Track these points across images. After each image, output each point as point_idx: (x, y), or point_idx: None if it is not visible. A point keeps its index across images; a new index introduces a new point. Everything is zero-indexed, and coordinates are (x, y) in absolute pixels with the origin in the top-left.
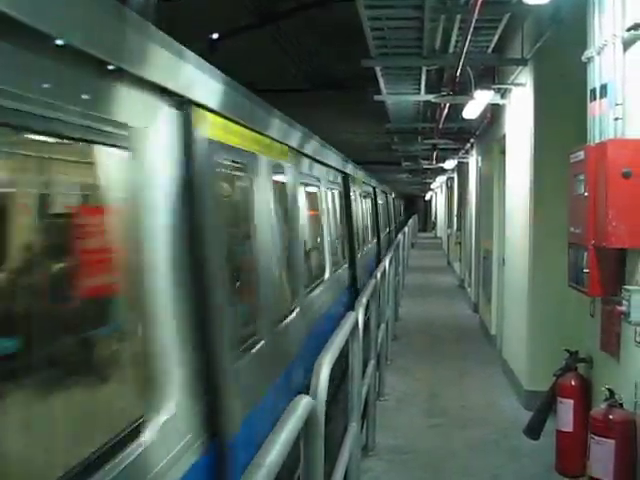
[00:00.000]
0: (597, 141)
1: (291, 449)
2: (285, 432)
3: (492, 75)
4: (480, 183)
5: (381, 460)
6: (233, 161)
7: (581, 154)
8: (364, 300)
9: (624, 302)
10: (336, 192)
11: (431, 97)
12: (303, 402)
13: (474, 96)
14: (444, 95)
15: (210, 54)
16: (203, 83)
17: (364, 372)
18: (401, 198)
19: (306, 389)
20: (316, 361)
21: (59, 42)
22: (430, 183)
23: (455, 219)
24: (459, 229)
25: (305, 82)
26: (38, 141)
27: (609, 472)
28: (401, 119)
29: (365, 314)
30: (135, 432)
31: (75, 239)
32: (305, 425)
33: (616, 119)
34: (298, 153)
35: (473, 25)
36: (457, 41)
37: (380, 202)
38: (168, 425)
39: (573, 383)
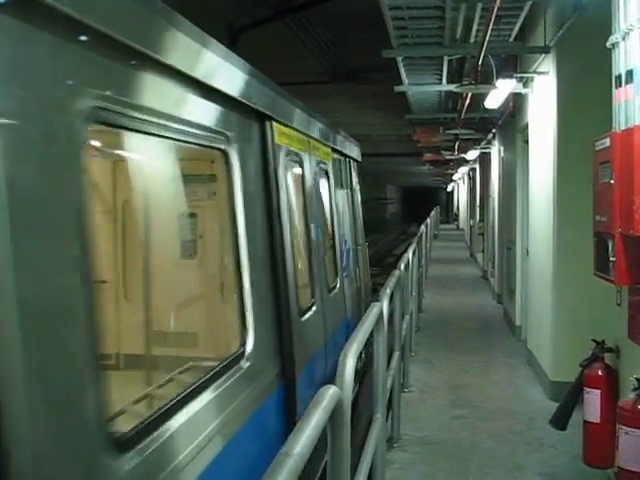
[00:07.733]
0: (623, 128)
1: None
2: (313, 422)
3: (514, 64)
4: (503, 173)
5: (406, 452)
6: None
7: (606, 141)
8: (388, 291)
9: None
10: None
11: (453, 87)
12: (330, 392)
13: (496, 85)
14: (466, 85)
15: (230, 47)
16: None
17: (389, 364)
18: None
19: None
20: (342, 352)
21: None
22: (452, 174)
23: (478, 210)
24: (482, 220)
25: (324, 74)
26: None
27: (639, 463)
28: (423, 110)
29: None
30: None
31: None
32: (332, 416)
33: None
34: None
35: (495, 14)
36: (478, 30)
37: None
38: None
39: (600, 373)
